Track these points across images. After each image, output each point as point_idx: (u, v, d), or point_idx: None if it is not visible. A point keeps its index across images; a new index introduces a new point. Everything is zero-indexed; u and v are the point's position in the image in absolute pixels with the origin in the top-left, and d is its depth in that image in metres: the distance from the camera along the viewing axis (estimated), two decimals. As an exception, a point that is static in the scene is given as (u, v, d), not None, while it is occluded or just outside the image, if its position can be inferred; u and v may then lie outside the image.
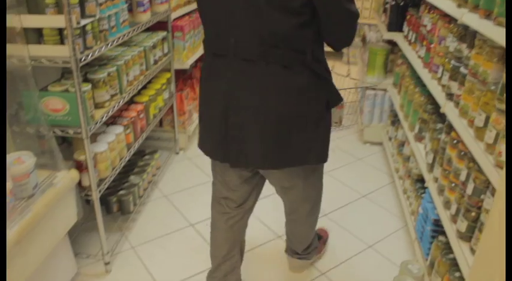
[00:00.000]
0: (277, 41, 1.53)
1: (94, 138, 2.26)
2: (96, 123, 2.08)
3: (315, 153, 1.77)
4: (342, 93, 1.84)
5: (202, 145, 1.86)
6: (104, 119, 2.15)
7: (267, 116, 1.63)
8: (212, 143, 1.78)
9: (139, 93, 2.84)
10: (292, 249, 2.33)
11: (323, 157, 1.83)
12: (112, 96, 2.25)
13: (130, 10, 2.54)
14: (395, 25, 3.47)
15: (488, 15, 1.67)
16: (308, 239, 2.27)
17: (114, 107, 2.25)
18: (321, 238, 2.54)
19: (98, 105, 2.15)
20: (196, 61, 3.85)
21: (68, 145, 2.42)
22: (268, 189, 2.12)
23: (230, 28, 1.56)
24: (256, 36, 1.53)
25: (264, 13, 1.48)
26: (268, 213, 2.83)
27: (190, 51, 3.44)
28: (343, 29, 1.59)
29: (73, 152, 2.14)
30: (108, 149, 2.23)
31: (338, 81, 4.66)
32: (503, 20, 1.55)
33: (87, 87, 2.01)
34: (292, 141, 1.68)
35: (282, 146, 1.68)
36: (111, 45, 2.17)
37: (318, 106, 1.70)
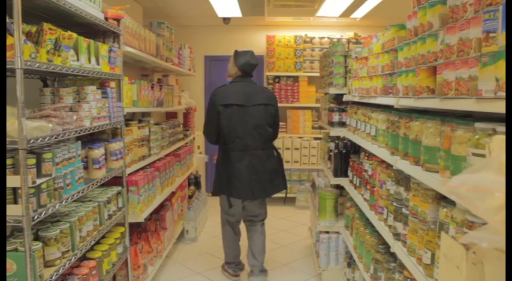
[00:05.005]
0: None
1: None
2: (45, 283, 1.99)
3: (280, 187, 3.80)
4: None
5: (236, 195, 3.65)
6: (54, 278, 2.06)
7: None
8: (243, 190, 3.63)
9: (92, 248, 2.78)
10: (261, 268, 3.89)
11: (284, 186, 3.83)
12: (63, 253, 2.19)
13: (85, 167, 2.62)
14: (340, 171, 3.72)
15: (417, 162, 1.87)
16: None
17: (65, 265, 2.18)
18: None
19: (47, 264, 2.09)
20: (151, 214, 3.85)
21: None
22: None
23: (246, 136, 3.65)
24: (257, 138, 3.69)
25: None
26: None
27: (144, 204, 3.47)
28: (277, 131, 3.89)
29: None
30: (56, 312, 2.10)
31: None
32: (430, 165, 1.73)
33: (37, 245, 1.98)
34: (273, 182, 3.74)
35: (268, 186, 3.71)
36: (65, 202, 2.19)
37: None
